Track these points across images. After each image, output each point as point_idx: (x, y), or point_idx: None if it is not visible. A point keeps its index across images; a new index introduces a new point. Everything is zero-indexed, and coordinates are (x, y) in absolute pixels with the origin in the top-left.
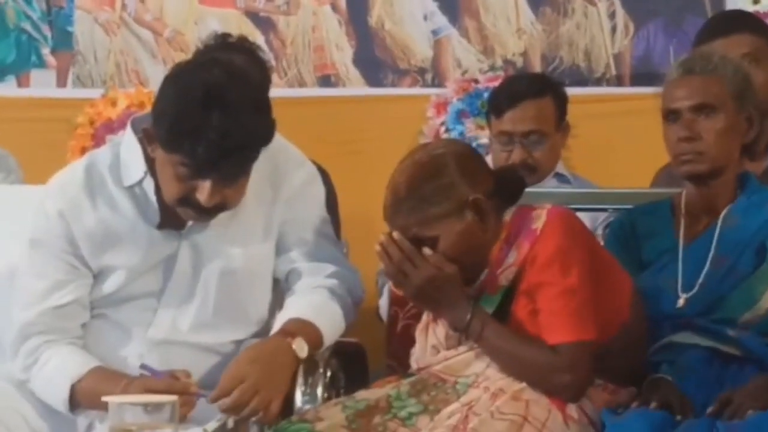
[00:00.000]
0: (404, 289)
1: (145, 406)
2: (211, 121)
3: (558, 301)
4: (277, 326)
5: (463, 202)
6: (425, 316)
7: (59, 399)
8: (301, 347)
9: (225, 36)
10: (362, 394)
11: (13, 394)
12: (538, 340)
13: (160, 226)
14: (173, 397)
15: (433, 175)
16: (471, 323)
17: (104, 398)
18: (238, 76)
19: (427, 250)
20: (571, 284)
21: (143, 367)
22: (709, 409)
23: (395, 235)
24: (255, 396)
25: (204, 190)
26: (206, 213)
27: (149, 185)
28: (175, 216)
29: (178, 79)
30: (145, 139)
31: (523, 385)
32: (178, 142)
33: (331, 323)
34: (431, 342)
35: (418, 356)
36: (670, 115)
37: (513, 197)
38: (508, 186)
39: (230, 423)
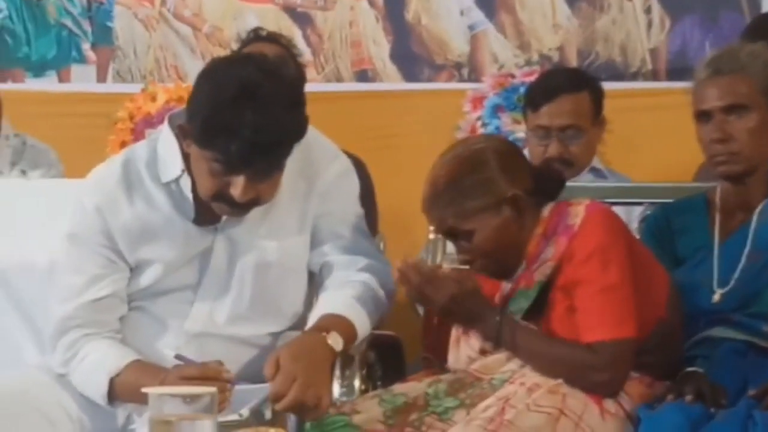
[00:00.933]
0: (430, 309)
1: (184, 397)
2: (245, 118)
3: (597, 299)
4: (310, 323)
5: (501, 197)
6: (454, 331)
7: (98, 393)
8: (336, 341)
9: (258, 30)
10: (399, 388)
11: (54, 387)
12: (572, 340)
13: (196, 221)
14: (212, 389)
15: (472, 169)
16: (501, 332)
17: (144, 389)
18: (272, 72)
19: (445, 267)
20: (610, 281)
21: (178, 357)
22: (752, 392)
23: (411, 260)
24: (308, 392)
25: (238, 186)
26: (240, 208)
27: (186, 182)
28: (210, 211)
29: (212, 75)
30: (180, 134)
31: (560, 380)
32: (212, 139)
33: (363, 317)
34: (465, 353)
35: (452, 365)
36: (702, 116)
37: (552, 194)
38: (547, 183)
39: (268, 413)
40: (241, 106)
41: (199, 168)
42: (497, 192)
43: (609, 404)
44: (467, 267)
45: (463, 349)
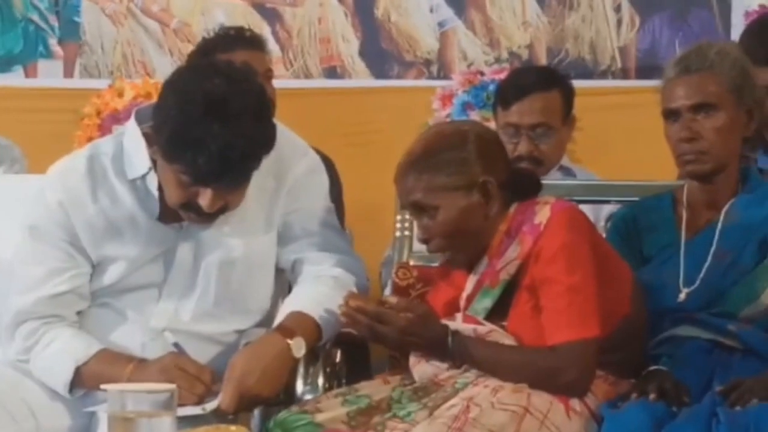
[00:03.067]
0: (385, 345)
1: (145, 393)
2: (212, 132)
3: (562, 299)
4: (279, 318)
5: (473, 181)
6: (412, 357)
7: (61, 380)
8: (298, 347)
9: (227, 29)
10: (364, 388)
11: (17, 382)
12: (533, 345)
13: (161, 219)
14: (172, 386)
15: (452, 146)
16: (454, 350)
17: (103, 386)
18: (238, 83)
19: (390, 299)
20: (575, 282)
21: (176, 346)
22: (719, 388)
23: (352, 302)
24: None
25: (206, 197)
26: (208, 216)
27: (152, 180)
28: (175, 210)
29: (178, 87)
30: (146, 142)
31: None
32: (179, 154)
33: (332, 316)
34: (429, 370)
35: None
36: (670, 115)
37: (524, 195)
38: (523, 183)
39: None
40: (209, 121)
41: (167, 177)
42: (470, 174)
43: (575, 402)
44: (407, 298)
45: (426, 366)
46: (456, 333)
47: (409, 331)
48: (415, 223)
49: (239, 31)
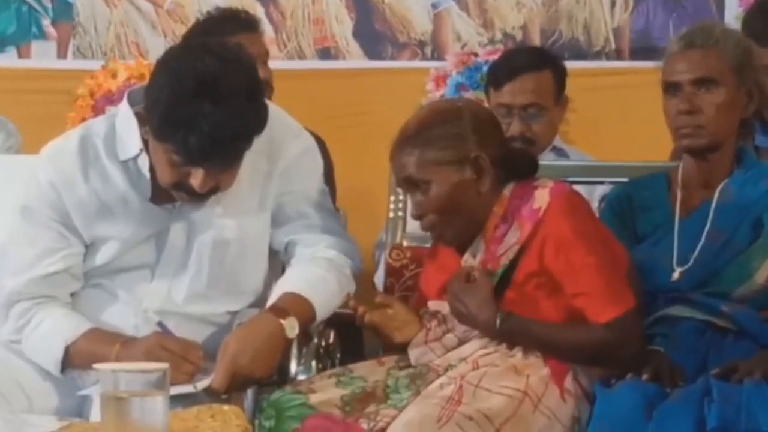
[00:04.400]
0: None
1: (138, 373)
2: (204, 112)
3: (597, 280)
4: (272, 299)
5: (466, 156)
6: (422, 335)
7: (52, 359)
8: (291, 327)
9: (223, 12)
10: (359, 370)
11: (8, 361)
12: (583, 325)
13: (153, 200)
14: (164, 365)
15: (445, 121)
16: (506, 327)
17: (95, 366)
18: (230, 62)
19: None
20: (600, 261)
21: (160, 324)
22: (715, 371)
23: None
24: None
25: (197, 177)
26: (199, 197)
27: (144, 161)
28: (167, 191)
29: (170, 66)
30: (138, 122)
31: (517, 357)
32: (170, 133)
33: (326, 296)
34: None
35: (414, 361)
36: (670, 88)
37: (519, 175)
38: (520, 164)
39: None
40: (200, 100)
41: (158, 157)
42: (463, 149)
43: (569, 383)
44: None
45: (426, 350)
46: (508, 314)
47: (458, 297)
48: (408, 204)
49: (235, 13)
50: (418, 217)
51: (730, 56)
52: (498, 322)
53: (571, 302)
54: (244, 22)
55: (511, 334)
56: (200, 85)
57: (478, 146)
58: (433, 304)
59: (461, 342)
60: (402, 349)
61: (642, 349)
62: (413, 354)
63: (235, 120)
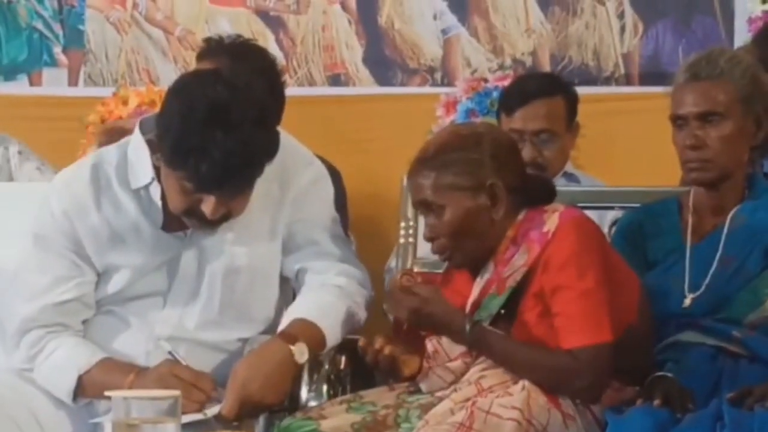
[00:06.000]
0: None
1: (149, 400)
2: (215, 140)
3: (575, 305)
4: (282, 325)
5: (482, 183)
6: (425, 363)
7: (64, 389)
8: (301, 352)
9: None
10: (369, 396)
11: (22, 389)
12: (548, 347)
13: (164, 228)
14: (176, 392)
15: (464, 146)
16: (472, 339)
17: (107, 393)
18: (241, 90)
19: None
20: (587, 287)
21: (171, 355)
22: (730, 395)
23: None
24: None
25: (209, 204)
26: (211, 223)
27: (155, 190)
28: (179, 219)
29: (182, 94)
30: (150, 150)
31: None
32: (182, 160)
33: (335, 323)
34: (440, 380)
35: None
36: (678, 121)
37: (537, 202)
38: (537, 191)
39: None
40: (211, 128)
41: (170, 184)
42: (480, 176)
43: (568, 407)
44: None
45: (435, 378)
46: (476, 322)
47: (420, 312)
48: (419, 230)
49: (220, 40)
50: (429, 239)
51: (737, 87)
52: (467, 327)
53: (552, 322)
54: (227, 49)
55: (477, 343)
56: (211, 112)
57: (495, 173)
58: None
59: (467, 366)
60: (411, 379)
61: (602, 387)
62: (424, 385)
63: (246, 147)
